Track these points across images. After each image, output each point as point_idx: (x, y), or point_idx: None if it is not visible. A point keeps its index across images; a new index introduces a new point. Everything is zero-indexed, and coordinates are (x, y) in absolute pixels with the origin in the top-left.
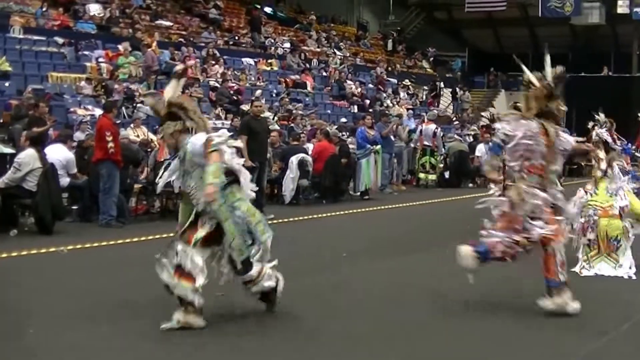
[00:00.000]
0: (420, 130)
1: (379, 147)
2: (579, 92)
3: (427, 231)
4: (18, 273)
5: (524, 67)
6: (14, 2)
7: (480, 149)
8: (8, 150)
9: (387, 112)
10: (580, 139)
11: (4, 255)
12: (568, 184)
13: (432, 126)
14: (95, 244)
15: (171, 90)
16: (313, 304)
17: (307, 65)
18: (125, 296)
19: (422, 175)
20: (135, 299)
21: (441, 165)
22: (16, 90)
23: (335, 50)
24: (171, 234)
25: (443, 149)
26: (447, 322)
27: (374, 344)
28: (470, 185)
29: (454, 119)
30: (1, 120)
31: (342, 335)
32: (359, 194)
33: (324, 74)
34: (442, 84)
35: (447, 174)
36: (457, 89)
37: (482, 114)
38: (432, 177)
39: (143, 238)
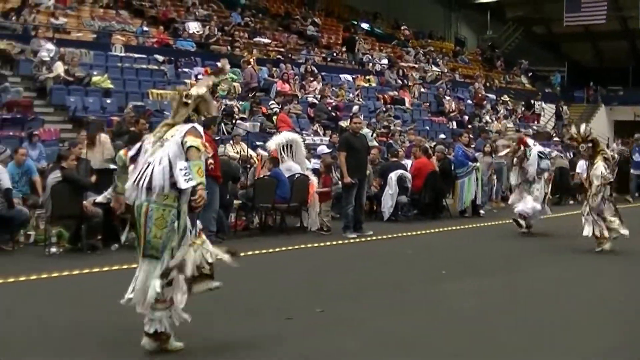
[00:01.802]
0: None
1: (478, 163)
2: None
3: (526, 249)
4: (118, 285)
5: None
6: (116, 21)
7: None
8: (110, 165)
9: (486, 128)
10: None
11: (106, 268)
12: None
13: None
14: None
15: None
16: (411, 319)
17: (405, 81)
18: (225, 308)
19: None
20: (233, 311)
21: None
22: (117, 107)
23: (432, 65)
24: (270, 250)
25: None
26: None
27: None
28: (571, 202)
29: (554, 134)
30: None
31: (431, 351)
32: (459, 211)
33: (422, 90)
34: (541, 100)
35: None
36: (561, 106)
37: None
38: None
39: (242, 254)
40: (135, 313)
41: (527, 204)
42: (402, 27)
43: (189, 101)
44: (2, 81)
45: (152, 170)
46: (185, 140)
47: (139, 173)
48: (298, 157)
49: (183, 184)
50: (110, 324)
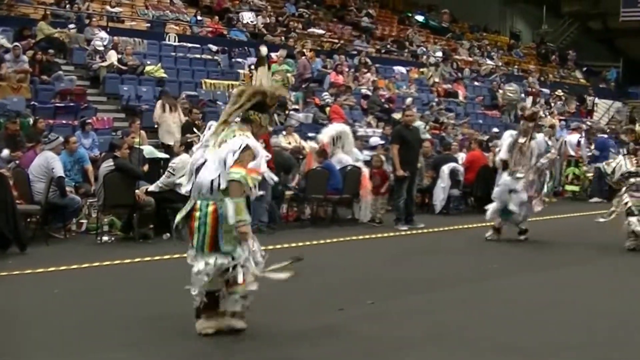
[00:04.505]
0: (565, 141)
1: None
2: None
3: (578, 245)
4: (169, 274)
5: None
6: (170, 10)
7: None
8: (162, 155)
9: (539, 122)
10: None
11: (157, 257)
12: None
13: (576, 136)
14: None
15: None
16: (461, 313)
17: (459, 74)
18: (275, 299)
19: (567, 187)
20: (284, 301)
21: (590, 176)
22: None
23: (486, 59)
24: (321, 241)
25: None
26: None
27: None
28: None
29: (607, 130)
30: (156, 126)
31: (481, 343)
32: None
33: (476, 83)
34: (595, 96)
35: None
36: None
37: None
38: (575, 188)
39: (293, 244)
40: (186, 301)
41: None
42: (443, 11)
43: (241, 99)
44: (55, 69)
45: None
46: (230, 172)
47: (194, 167)
48: (346, 148)
49: (230, 220)
50: (162, 312)
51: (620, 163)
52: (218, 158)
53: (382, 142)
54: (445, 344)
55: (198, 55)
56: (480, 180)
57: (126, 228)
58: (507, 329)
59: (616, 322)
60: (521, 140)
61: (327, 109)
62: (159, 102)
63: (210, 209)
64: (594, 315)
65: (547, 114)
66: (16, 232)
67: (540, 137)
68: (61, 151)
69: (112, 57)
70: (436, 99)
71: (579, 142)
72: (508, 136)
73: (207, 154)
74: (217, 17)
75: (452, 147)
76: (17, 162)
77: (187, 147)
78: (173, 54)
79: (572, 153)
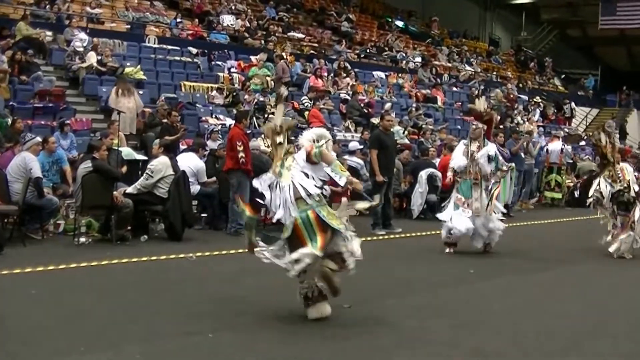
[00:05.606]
0: (547, 149)
1: (513, 164)
2: None
3: (555, 249)
4: (146, 276)
5: None
6: (150, 12)
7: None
8: (140, 157)
9: (517, 129)
10: None
11: (135, 259)
12: None
13: (559, 143)
14: (224, 252)
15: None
16: (439, 318)
17: (438, 80)
18: (255, 301)
19: (547, 193)
20: (264, 304)
21: (570, 184)
22: (150, 99)
23: (465, 65)
24: None
25: (568, 165)
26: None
27: None
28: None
29: (585, 137)
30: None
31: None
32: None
33: (455, 89)
34: (573, 103)
35: (577, 193)
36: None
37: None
38: (557, 195)
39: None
40: (161, 302)
41: (460, 220)
42: (433, 18)
43: (281, 140)
44: (34, 70)
45: (293, 185)
46: (313, 151)
47: (283, 196)
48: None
49: (341, 182)
50: (138, 313)
51: (605, 185)
52: (300, 174)
53: (361, 146)
54: (420, 349)
55: (177, 58)
56: None
57: (104, 229)
58: (482, 335)
59: (592, 326)
60: (472, 147)
61: (306, 113)
62: (114, 88)
63: (312, 216)
64: (571, 320)
65: (525, 120)
66: None
67: (490, 147)
68: (39, 152)
69: (92, 58)
70: (415, 104)
71: (562, 149)
72: (461, 145)
73: (283, 180)
74: (197, 20)
75: (430, 153)
76: None
77: (166, 148)
78: (152, 56)
79: (555, 160)
